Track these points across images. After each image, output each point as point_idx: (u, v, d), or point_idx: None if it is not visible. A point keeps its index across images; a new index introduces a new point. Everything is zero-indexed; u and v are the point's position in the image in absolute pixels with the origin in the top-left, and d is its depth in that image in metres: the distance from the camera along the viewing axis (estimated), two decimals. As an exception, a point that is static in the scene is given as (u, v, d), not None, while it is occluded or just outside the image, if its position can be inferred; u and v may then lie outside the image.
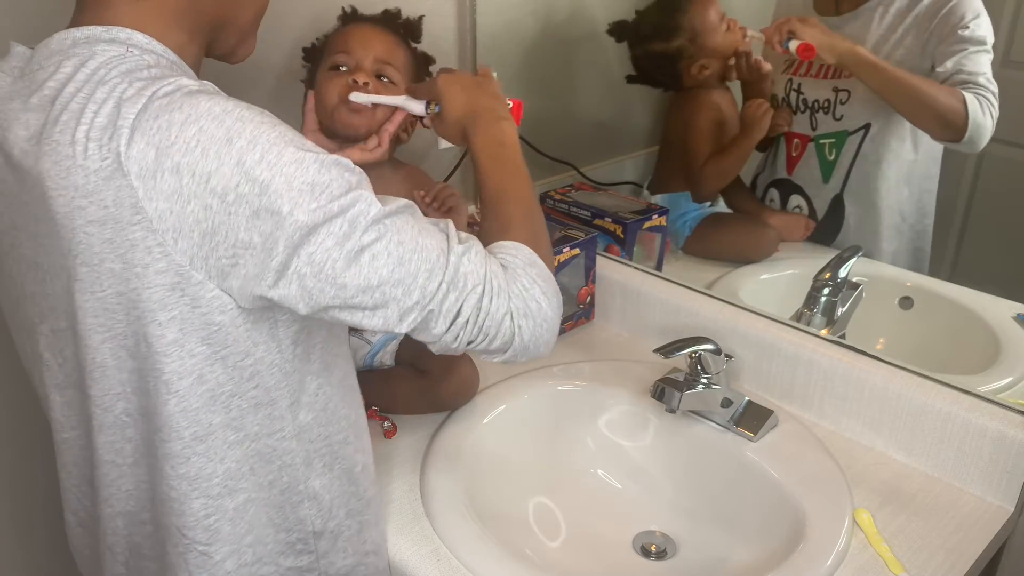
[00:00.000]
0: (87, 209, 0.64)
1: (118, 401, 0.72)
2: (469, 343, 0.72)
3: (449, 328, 0.70)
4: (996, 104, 1.09)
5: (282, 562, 0.79)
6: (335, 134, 1.04)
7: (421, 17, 1.10)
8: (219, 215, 0.62)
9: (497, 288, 0.71)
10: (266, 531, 0.78)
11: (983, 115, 1.08)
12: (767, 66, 1.32)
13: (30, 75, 0.68)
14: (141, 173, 0.61)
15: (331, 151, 1.01)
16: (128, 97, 0.63)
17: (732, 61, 1.33)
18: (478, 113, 0.89)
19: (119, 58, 0.65)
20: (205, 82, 0.67)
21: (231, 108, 0.63)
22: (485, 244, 0.77)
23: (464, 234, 0.74)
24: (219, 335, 0.68)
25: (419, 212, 0.72)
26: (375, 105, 1.01)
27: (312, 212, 0.62)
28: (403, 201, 0.70)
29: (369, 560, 0.86)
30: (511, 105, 0.96)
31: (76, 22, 0.69)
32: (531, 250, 0.77)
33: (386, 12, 1.09)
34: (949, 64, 1.10)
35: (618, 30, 1.40)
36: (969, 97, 1.09)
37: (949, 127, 1.11)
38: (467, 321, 0.70)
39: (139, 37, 0.68)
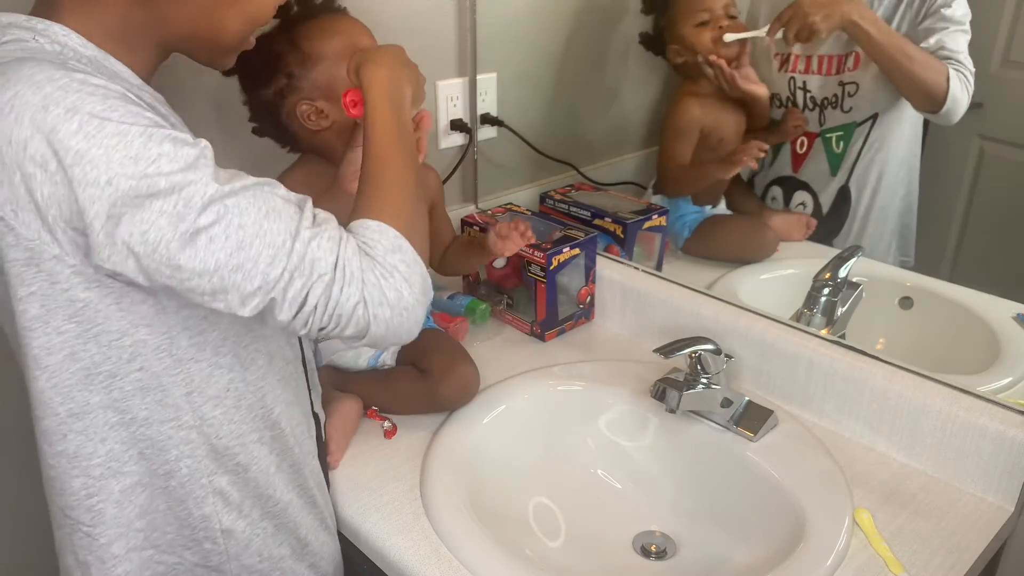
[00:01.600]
0: None
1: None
2: (320, 329, 0.69)
3: (296, 315, 0.68)
4: (972, 81, 1.12)
5: (187, 556, 0.79)
6: None
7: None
8: (45, 185, 0.61)
9: (349, 276, 0.68)
10: (166, 520, 0.77)
11: (961, 90, 1.12)
12: (747, 85, 1.31)
13: None
14: None
15: None
16: None
17: (700, 59, 1.32)
18: (380, 63, 0.85)
19: (15, 42, 0.65)
20: (69, 63, 0.64)
21: (57, 76, 0.60)
22: (355, 216, 0.74)
23: (323, 214, 0.71)
24: (87, 312, 0.67)
25: (277, 189, 0.69)
26: None
27: (134, 182, 0.60)
28: (253, 179, 0.68)
29: (285, 565, 0.85)
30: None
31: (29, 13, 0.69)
32: (397, 232, 0.73)
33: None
34: (932, 41, 1.14)
35: None
36: (952, 72, 1.12)
37: (931, 97, 1.14)
38: (314, 308, 0.68)
39: (56, 29, 0.67)
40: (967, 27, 1.12)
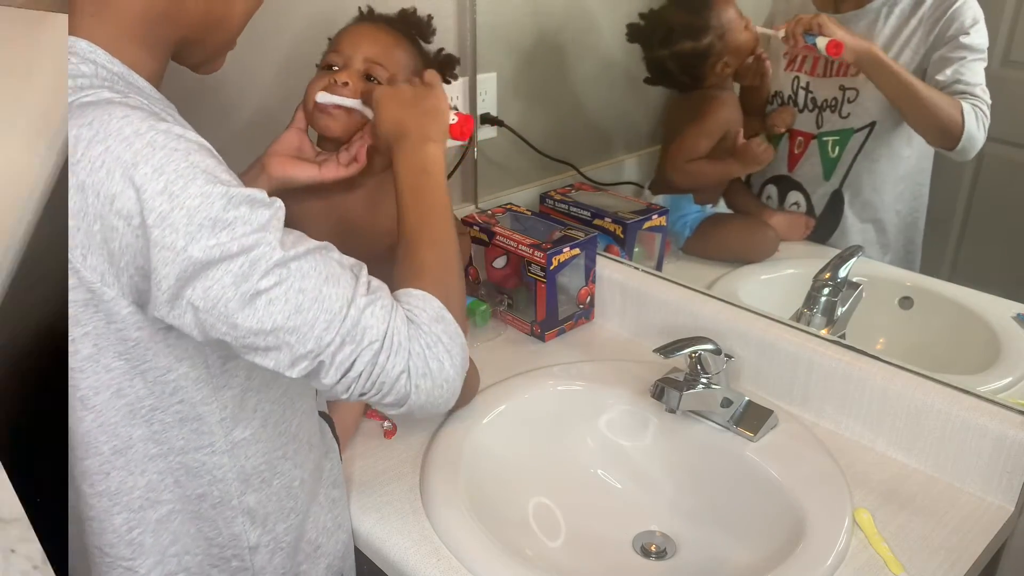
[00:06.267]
0: None
1: None
2: (361, 395, 0.70)
3: (340, 380, 0.69)
4: (988, 114, 1.10)
5: (214, 574, 0.79)
6: (321, 137, 1.01)
7: (430, 17, 1.06)
8: (125, 237, 0.62)
9: (396, 346, 0.69)
10: (195, 543, 0.77)
11: (977, 127, 1.10)
12: (770, 68, 1.32)
13: None
14: None
15: (313, 156, 0.97)
16: None
17: (750, 60, 1.32)
18: (404, 133, 0.86)
19: None
20: (131, 97, 0.65)
21: (144, 130, 0.61)
22: (396, 286, 0.76)
23: (376, 281, 0.72)
24: (136, 350, 0.67)
25: (335, 254, 0.71)
26: (341, 107, 0.96)
27: (209, 249, 0.62)
28: (316, 244, 0.69)
29: (302, 570, 0.86)
30: (455, 120, 0.90)
31: None
32: (440, 303, 0.74)
33: (402, 12, 1.05)
34: (949, 72, 1.12)
35: (636, 33, 1.39)
36: (967, 108, 1.10)
37: (946, 135, 1.13)
38: (359, 375, 0.69)
39: (82, 45, 0.66)
40: (985, 55, 1.10)
